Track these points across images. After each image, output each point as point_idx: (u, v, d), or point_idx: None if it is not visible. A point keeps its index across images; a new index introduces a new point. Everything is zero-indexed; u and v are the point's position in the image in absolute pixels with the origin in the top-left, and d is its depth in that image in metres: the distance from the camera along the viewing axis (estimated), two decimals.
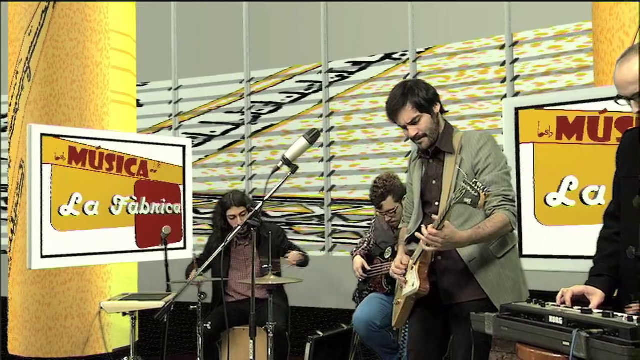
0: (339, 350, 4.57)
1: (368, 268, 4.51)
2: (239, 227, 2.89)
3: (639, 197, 2.28)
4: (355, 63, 7.18)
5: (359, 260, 4.55)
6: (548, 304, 2.27)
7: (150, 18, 7.78)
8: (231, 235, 2.88)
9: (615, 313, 2.04)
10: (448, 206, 2.67)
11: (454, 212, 2.77)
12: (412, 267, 2.95)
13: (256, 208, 2.86)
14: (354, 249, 4.73)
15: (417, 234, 2.82)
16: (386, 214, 4.38)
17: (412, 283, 2.93)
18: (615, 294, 2.43)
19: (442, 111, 3.03)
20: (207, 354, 4.36)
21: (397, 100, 2.94)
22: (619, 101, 2.30)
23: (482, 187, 2.55)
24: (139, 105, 7.44)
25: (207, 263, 3.12)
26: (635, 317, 1.95)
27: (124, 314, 4.64)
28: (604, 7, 4.34)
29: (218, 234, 4.87)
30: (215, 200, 7.98)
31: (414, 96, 2.92)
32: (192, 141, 6.15)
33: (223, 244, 2.79)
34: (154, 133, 8.16)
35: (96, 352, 5.47)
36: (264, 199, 2.88)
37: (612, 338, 1.86)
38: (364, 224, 6.83)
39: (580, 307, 2.17)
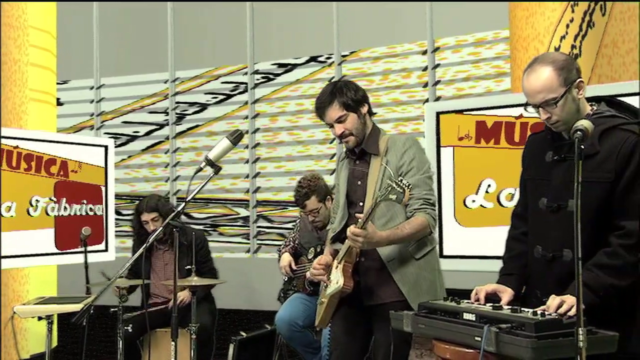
0: (262, 351, 4.59)
1: (294, 267, 4.54)
2: (160, 229, 2.87)
3: (545, 199, 2.41)
4: (281, 65, 7.20)
5: (286, 258, 4.57)
6: (463, 302, 2.36)
7: (72, 14, 7.58)
8: (152, 238, 2.84)
9: (522, 309, 2.14)
10: (374, 203, 2.74)
11: (377, 212, 2.84)
12: (337, 266, 3.00)
13: (178, 209, 2.84)
14: (281, 247, 4.75)
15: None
16: (309, 213, 4.43)
17: (336, 281, 2.97)
18: (523, 290, 2.55)
19: (371, 113, 3.10)
20: (127, 357, 4.29)
21: (325, 97, 3.02)
22: (527, 108, 2.42)
23: (406, 184, 2.63)
24: (59, 103, 7.25)
25: (126, 267, 3.06)
26: (539, 312, 2.07)
27: (40, 318, 4.49)
28: (520, 16, 4.50)
29: (136, 238, 4.85)
30: (138, 202, 7.88)
31: (342, 96, 2.99)
32: (115, 141, 6.04)
33: (144, 245, 2.76)
34: (74, 133, 7.96)
35: (12, 358, 5.30)
36: (186, 200, 2.86)
37: (519, 332, 1.96)
38: (289, 225, 6.85)
39: (492, 304, 2.26)
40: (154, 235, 2.86)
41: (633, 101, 3.27)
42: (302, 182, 4.45)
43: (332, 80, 3.17)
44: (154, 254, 4.77)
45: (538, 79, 2.32)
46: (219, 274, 4.84)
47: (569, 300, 2.14)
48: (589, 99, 2.45)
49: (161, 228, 2.89)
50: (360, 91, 3.06)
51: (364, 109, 3.05)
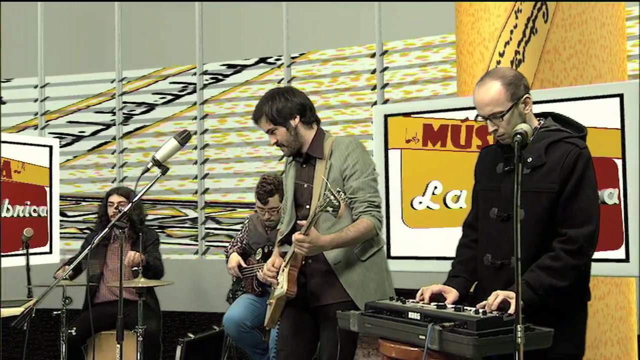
0: (211, 352, 4.57)
1: (244, 265, 4.52)
2: (106, 230, 2.83)
3: (495, 208, 2.51)
4: (230, 66, 7.18)
5: (234, 258, 4.55)
6: (409, 301, 2.41)
7: (16, 11, 7.42)
8: (97, 239, 2.80)
9: (465, 307, 2.20)
10: (314, 214, 2.76)
11: (322, 215, 2.86)
12: (284, 270, 3.01)
13: (124, 209, 2.81)
14: (228, 248, 4.74)
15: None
16: (268, 211, 4.42)
17: (281, 285, 3.00)
18: (472, 291, 2.62)
19: (308, 121, 3.07)
20: None
21: (256, 110, 3.10)
22: (478, 119, 2.54)
23: (343, 198, 2.65)
24: (2, 102, 7.09)
25: (70, 268, 3.02)
26: (481, 310, 2.13)
27: None
28: (466, 22, 4.58)
29: (98, 224, 4.83)
30: (85, 203, 7.76)
31: (270, 109, 3.02)
32: (60, 141, 5.92)
33: (89, 247, 2.72)
34: (18, 132, 7.78)
35: None
36: (133, 201, 2.84)
37: (461, 330, 2.02)
38: (238, 226, 6.84)
39: (436, 304, 2.31)
40: (99, 237, 2.82)
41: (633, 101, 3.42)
42: (267, 179, 4.45)
43: (275, 87, 3.19)
44: (111, 245, 4.72)
45: (487, 93, 2.45)
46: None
47: (504, 292, 2.24)
48: (537, 115, 2.58)
49: (107, 229, 2.85)
50: (290, 103, 3.02)
51: (294, 121, 3.02)
